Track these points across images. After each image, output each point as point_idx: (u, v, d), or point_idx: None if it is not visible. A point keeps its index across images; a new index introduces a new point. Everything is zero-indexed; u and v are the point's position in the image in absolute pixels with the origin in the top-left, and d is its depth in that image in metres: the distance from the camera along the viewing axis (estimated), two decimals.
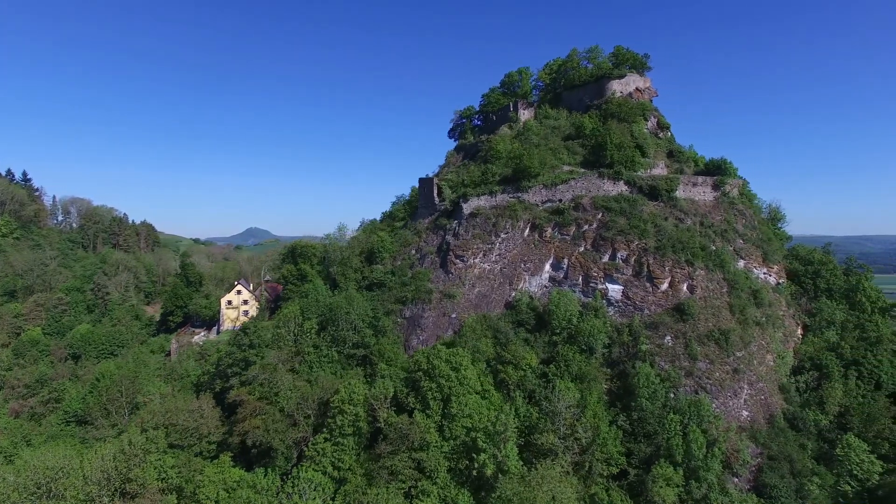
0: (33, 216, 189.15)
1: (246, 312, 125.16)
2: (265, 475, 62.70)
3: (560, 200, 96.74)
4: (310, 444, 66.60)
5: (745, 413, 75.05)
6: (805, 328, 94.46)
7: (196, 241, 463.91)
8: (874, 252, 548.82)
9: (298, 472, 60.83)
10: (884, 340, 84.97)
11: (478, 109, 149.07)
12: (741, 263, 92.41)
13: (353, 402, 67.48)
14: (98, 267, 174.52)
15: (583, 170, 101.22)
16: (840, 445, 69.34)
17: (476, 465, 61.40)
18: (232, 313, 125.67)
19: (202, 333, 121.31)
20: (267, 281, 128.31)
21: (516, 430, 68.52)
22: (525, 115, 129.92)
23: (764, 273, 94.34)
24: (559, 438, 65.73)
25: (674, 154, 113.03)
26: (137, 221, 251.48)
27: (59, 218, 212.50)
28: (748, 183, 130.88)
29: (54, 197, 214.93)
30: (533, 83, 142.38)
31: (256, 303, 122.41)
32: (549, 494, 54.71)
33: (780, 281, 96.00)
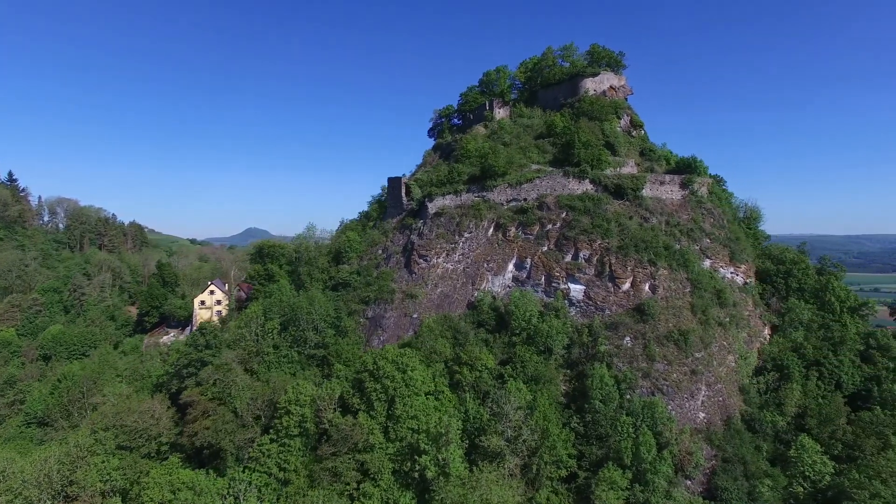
0: (17, 216, 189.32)
1: (219, 313, 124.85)
2: (207, 476, 62.08)
3: (525, 199, 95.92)
4: (255, 445, 65.99)
5: (701, 415, 74.08)
6: (774, 328, 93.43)
7: (192, 241, 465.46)
8: (872, 251, 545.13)
9: (235, 474, 60.30)
10: (847, 341, 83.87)
11: (456, 108, 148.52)
12: (707, 263, 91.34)
13: (299, 403, 66.90)
14: (81, 268, 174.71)
15: (551, 168, 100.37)
16: (794, 447, 68.45)
17: (417, 468, 60.77)
18: (205, 313, 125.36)
19: (172, 334, 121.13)
20: (243, 281, 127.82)
21: (464, 432, 68.22)
22: (500, 113, 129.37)
23: (731, 273, 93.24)
24: (506, 441, 64.90)
25: (646, 152, 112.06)
26: (126, 222, 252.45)
27: (46, 218, 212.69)
28: (724, 181, 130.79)
29: (39, 197, 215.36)
30: (511, 82, 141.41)
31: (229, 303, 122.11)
32: (484, 498, 53.91)
33: (748, 280, 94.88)
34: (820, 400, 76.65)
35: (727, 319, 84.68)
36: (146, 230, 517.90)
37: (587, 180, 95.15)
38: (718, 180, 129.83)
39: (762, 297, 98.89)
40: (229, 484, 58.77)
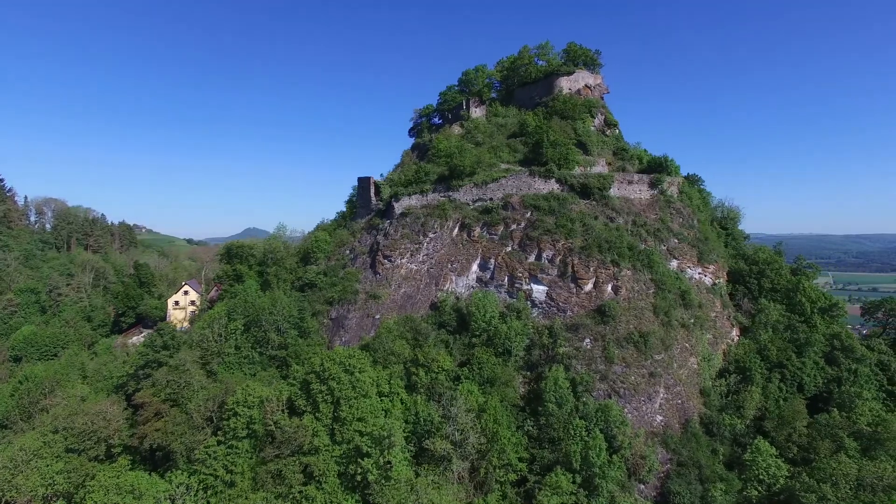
0: (2, 217, 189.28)
1: (194, 313, 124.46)
2: (149, 479, 61.43)
3: (491, 199, 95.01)
4: (202, 447, 65.29)
5: (659, 418, 72.98)
6: (743, 330, 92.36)
7: (189, 241, 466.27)
8: (872, 251, 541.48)
9: (173, 476, 59.67)
10: (813, 342, 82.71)
11: (435, 108, 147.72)
12: (674, 263, 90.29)
13: (247, 405, 66.14)
14: (66, 268, 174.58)
15: (519, 168, 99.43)
16: (749, 450, 67.41)
17: (360, 471, 60.03)
18: (179, 314, 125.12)
19: (144, 334, 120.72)
20: (213, 281, 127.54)
21: (413, 434, 67.42)
22: (477, 113, 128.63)
23: (699, 273, 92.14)
24: (453, 444, 64.02)
25: (619, 152, 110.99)
26: (116, 222, 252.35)
27: (32, 218, 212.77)
28: (702, 181, 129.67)
29: (25, 197, 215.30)
30: (489, 81, 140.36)
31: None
32: (419, 502, 53.07)
33: (717, 281, 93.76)
34: (781, 402, 75.73)
35: (691, 321, 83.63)
36: (144, 230, 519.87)
37: (553, 180, 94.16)
38: (695, 180, 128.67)
39: (734, 298, 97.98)
40: (168, 486, 58.02)
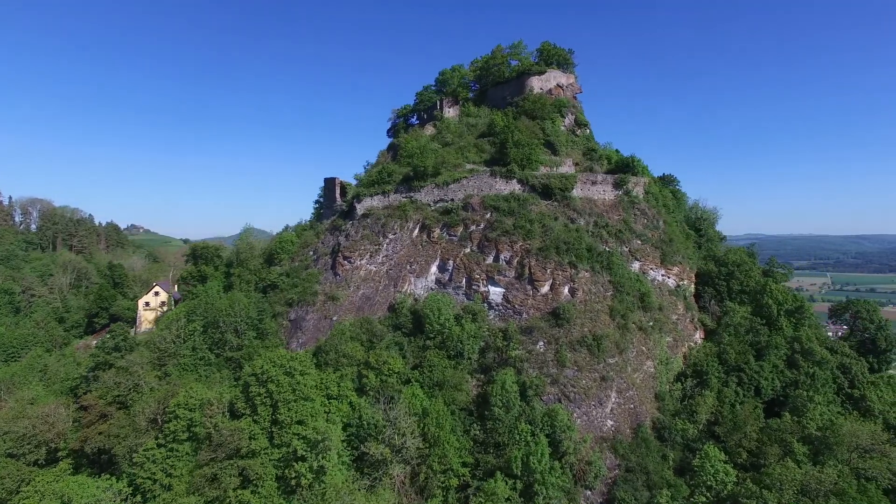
0: None
1: (164, 314, 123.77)
2: (79, 484, 60.70)
3: (452, 200, 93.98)
4: (140, 450, 64.57)
5: (609, 423, 71.81)
6: (709, 332, 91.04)
7: (185, 241, 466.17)
8: (871, 251, 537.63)
9: (100, 481, 58.97)
10: (774, 345, 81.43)
11: (412, 108, 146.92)
12: (636, 265, 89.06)
13: (188, 407, 65.45)
14: (47, 268, 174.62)
15: (482, 168, 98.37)
16: (698, 455, 66.27)
17: (294, 475, 59.25)
18: (150, 315, 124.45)
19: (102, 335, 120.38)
20: (179, 281, 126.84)
21: (357, 438, 66.51)
22: (450, 113, 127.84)
23: (662, 275, 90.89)
24: (392, 448, 63.07)
25: (588, 152, 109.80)
26: (104, 223, 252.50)
27: (18, 218, 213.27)
28: (677, 181, 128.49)
29: (10, 197, 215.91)
30: (464, 81, 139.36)
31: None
32: None
33: (681, 283, 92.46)
34: (736, 407, 74.44)
35: (650, 324, 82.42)
36: (141, 230, 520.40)
37: (515, 180, 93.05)
38: (670, 180, 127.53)
39: (701, 300, 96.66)
40: (95, 492, 57.31)
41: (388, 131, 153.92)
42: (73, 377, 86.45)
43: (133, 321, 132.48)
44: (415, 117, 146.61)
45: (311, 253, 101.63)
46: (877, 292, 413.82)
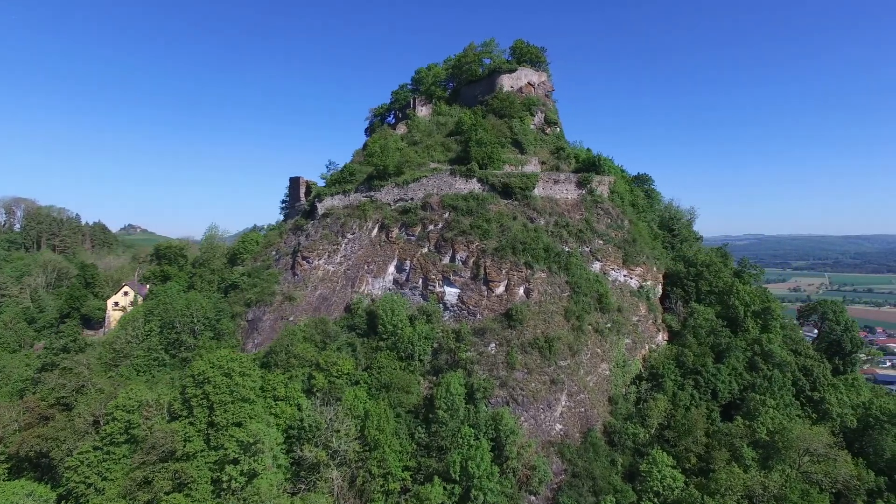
0: None
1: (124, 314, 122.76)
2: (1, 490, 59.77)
3: (411, 199, 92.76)
4: (75, 453, 63.58)
5: (558, 426, 70.44)
6: (673, 334, 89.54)
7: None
8: (870, 252, 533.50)
9: (16, 487, 57.98)
10: (734, 347, 79.98)
11: (388, 107, 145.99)
12: (597, 265, 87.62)
13: (126, 409, 64.43)
14: (28, 268, 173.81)
15: (443, 167, 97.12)
16: (645, 460, 64.91)
17: (226, 478, 58.20)
18: (118, 315, 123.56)
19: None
20: (139, 281, 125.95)
21: (297, 440, 65.42)
22: (423, 111, 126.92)
23: (624, 275, 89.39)
24: (329, 451, 61.92)
25: (557, 151, 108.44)
26: (90, 222, 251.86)
27: (2, 219, 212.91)
28: (652, 181, 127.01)
29: None
30: (436, 79, 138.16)
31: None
32: None
33: (644, 283, 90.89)
34: (692, 410, 72.88)
35: (608, 325, 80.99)
36: (139, 230, 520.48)
37: (474, 179, 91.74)
38: (645, 180, 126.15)
39: (668, 301, 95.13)
40: (11, 497, 56.31)
41: (366, 130, 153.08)
42: (24, 378, 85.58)
43: (103, 321, 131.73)
44: (391, 116, 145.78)
45: (274, 253, 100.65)
46: (874, 293, 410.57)
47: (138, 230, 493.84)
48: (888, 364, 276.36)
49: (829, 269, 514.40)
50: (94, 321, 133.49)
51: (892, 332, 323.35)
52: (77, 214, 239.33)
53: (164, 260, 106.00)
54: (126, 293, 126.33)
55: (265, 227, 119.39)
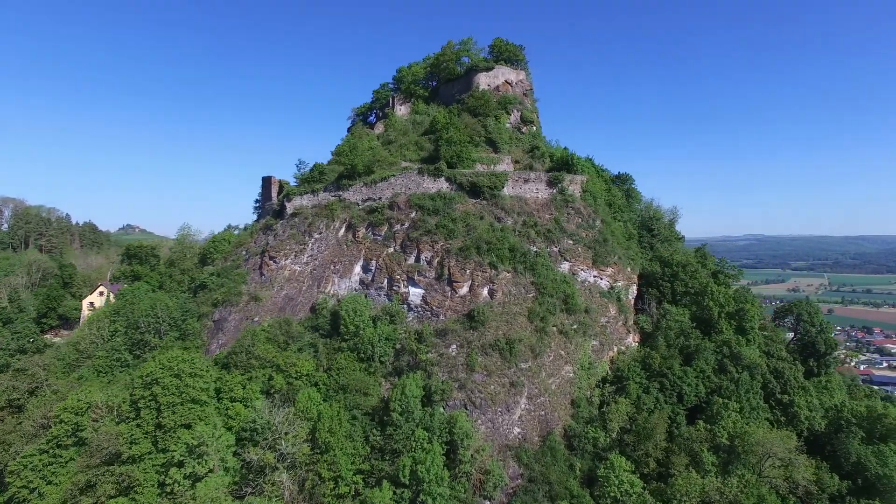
0: None
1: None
2: None
3: (380, 199, 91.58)
4: (19, 457, 62.55)
5: (516, 430, 69.06)
6: (646, 336, 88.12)
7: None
8: (870, 252, 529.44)
9: None
10: (703, 349, 78.46)
11: (369, 105, 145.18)
12: (565, 266, 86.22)
13: (74, 410, 63.42)
14: (12, 269, 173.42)
15: (415, 166, 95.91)
16: (603, 465, 63.51)
17: (170, 481, 57.15)
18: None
19: (46, 335, 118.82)
20: (108, 281, 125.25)
21: (249, 442, 64.27)
22: (402, 110, 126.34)
23: (594, 276, 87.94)
24: (278, 454, 60.79)
25: (533, 150, 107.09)
26: (81, 222, 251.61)
27: None
28: (632, 180, 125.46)
29: None
30: (414, 78, 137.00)
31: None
32: None
33: (615, 284, 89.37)
34: (655, 414, 71.40)
35: (574, 327, 79.59)
36: (137, 230, 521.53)
37: (443, 178, 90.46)
38: (625, 179, 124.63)
39: (641, 302, 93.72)
40: None
41: (349, 130, 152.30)
42: None
43: (80, 322, 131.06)
44: (372, 116, 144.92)
45: (244, 253, 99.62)
46: (873, 293, 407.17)
47: (137, 230, 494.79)
48: (885, 365, 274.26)
49: (828, 270, 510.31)
50: (71, 321, 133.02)
51: (889, 332, 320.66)
52: (67, 214, 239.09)
53: (135, 260, 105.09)
54: (102, 293, 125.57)
55: (239, 227, 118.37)
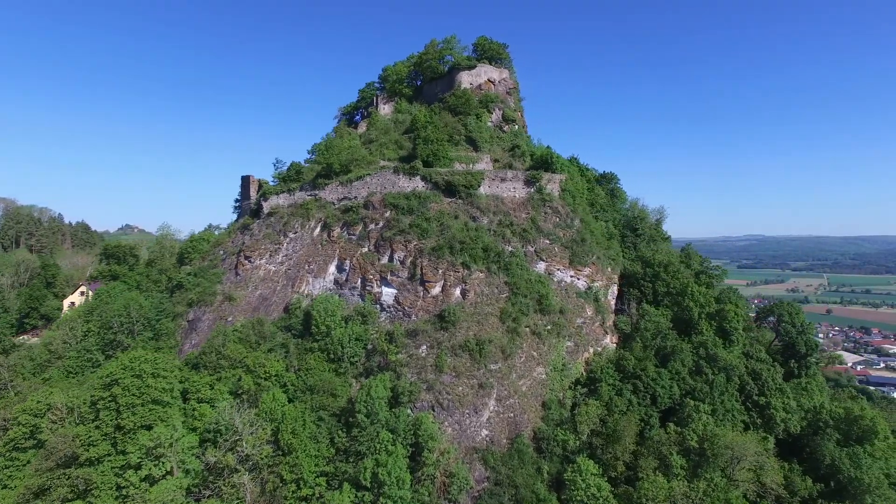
0: None
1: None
2: None
3: (355, 198, 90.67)
4: None
5: (484, 432, 67.96)
6: (625, 337, 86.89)
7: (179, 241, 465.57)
8: (870, 253, 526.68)
9: None
10: (678, 351, 77.26)
11: (355, 104, 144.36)
12: (541, 266, 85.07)
13: (33, 412, 62.66)
14: (2, 269, 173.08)
15: (391, 165, 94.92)
16: (570, 468, 62.37)
17: (126, 483, 56.34)
18: None
19: (24, 336, 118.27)
20: (87, 281, 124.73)
21: (213, 444, 63.38)
22: (385, 109, 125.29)
23: (570, 276, 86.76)
24: (239, 455, 59.89)
25: (514, 149, 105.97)
26: (74, 222, 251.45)
27: None
28: (617, 179, 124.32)
29: None
30: (399, 77, 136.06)
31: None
32: None
33: (593, 285, 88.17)
34: (626, 416, 70.21)
35: (548, 328, 78.44)
36: (136, 230, 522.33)
37: (418, 177, 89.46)
38: (610, 178, 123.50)
39: (621, 303, 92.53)
40: None
41: (335, 129, 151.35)
42: None
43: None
44: (358, 115, 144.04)
45: (221, 252, 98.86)
46: (872, 293, 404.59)
47: (136, 230, 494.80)
48: (882, 365, 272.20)
49: (828, 270, 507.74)
50: (54, 321, 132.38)
51: (887, 333, 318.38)
52: (59, 214, 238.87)
53: (113, 259, 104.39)
54: (83, 293, 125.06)
55: (220, 226, 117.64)
